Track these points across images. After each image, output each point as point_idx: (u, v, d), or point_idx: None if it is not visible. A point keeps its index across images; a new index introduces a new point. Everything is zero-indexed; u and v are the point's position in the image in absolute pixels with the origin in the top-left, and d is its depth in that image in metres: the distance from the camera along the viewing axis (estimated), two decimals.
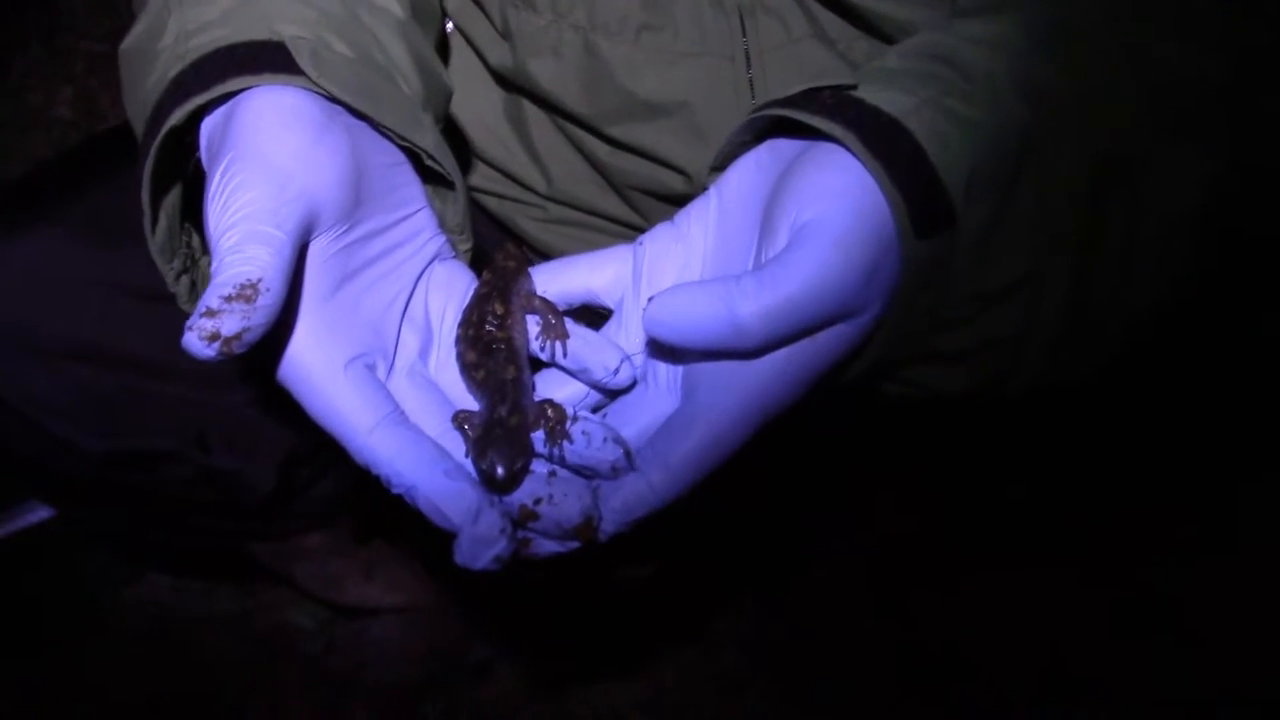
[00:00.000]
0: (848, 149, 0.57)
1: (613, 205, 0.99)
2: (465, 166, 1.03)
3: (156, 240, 0.64)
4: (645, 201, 0.95)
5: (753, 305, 0.55)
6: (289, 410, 0.61)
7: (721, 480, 0.60)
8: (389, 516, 1.33)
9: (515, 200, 1.03)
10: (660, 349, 0.64)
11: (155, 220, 0.64)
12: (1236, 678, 1.19)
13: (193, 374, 1.01)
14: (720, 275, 0.61)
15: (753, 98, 0.84)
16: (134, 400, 1.00)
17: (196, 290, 0.69)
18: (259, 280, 0.53)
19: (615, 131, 0.89)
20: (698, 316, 0.56)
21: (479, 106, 0.99)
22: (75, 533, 1.45)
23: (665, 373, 0.65)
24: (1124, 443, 1.09)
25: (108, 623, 1.47)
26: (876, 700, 1.40)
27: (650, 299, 0.58)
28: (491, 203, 1.05)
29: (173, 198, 0.66)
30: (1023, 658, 1.35)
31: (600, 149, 0.93)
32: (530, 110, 0.97)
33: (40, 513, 1.43)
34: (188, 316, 0.53)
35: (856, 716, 1.39)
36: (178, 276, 0.67)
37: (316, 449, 1.13)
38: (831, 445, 1.19)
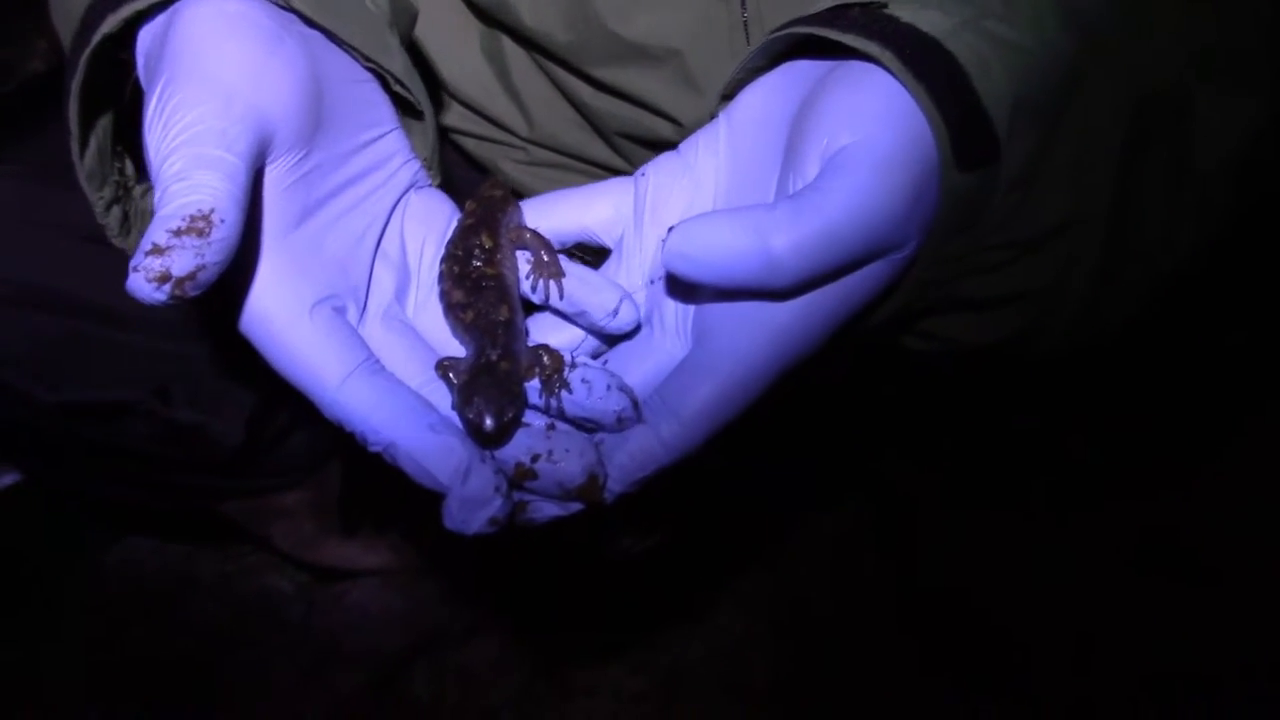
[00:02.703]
0: (885, 68, 0.53)
1: (598, 150, 0.94)
2: (435, 96, 0.98)
3: (85, 165, 0.59)
4: (633, 148, 0.91)
5: (788, 236, 0.49)
6: (257, 359, 0.55)
7: (735, 434, 0.54)
8: (369, 472, 1.29)
9: (495, 142, 0.99)
10: (674, 286, 0.59)
11: (85, 144, 0.59)
12: (1257, 618, 1.16)
13: (152, 322, 0.97)
14: (745, 205, 0.55)
15: (748, 42, 0.79)
16: (88, 349, 0.96)
17: (130, 223, 0.64)
18: (211, 210, 0.48)
19: (600, 73, 0.84)
20: (725, 249, 0.50)
21: (454, 41, 0.94)
22: (48, 495, 1.42)
23: (674, 314, 0.60)
24: (1138, 384, 1.05)
25: (86, 587, 1.44)
26: (882, 653, 1.38)
27: (670, 229, 0.52)
28: (470, 144, 1.01)
29: (106, 120, 0.61)
30: (1032, 603, 1.32)
31: (584, 90, 0.88)
32: (510, 47, 0.92)
33: (10, 476, 1.40)
34: (128, 256, 0.47)
35: (862, 672, 1.36)
36: (108, 207, 0.62)
37: (287, 400, 1.07)
38: (832, 393, 1.14)
